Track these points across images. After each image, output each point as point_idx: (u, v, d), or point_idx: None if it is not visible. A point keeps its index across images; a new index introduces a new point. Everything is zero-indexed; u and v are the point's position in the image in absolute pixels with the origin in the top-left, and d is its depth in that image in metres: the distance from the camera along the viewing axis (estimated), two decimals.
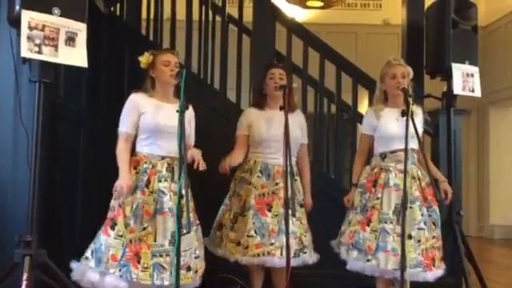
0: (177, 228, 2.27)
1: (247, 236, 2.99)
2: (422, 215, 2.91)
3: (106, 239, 2.52)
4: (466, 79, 3.48)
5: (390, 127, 2.99)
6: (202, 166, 2.64)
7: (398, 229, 2.82)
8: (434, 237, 2.93)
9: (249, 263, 3.03)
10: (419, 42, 3.86)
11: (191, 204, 2.62)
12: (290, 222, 2.84)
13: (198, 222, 2.74)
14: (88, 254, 2.53)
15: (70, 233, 3.45)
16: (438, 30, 3.58)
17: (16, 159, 2.77)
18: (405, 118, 2.77)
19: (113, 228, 2.53)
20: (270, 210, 3.01)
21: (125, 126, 2.71)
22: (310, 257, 3.09)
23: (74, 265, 2.52)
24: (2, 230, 2.74)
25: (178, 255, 2.26)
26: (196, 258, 2.66)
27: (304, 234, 3.08)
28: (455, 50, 3.48)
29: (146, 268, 2.49)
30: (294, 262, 2.91)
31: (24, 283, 2.25)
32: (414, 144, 2.89)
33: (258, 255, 2.97)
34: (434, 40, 3.65)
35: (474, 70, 3.52)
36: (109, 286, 2.46)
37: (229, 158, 3.04)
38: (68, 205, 3.45)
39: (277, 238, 2.97)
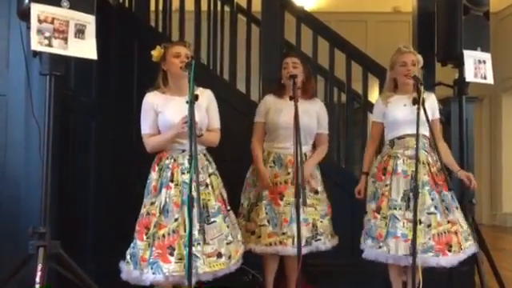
0: (188, 218, 2.28)
1: (260, 225, 3.03)
2: (433, 199, 2.89)
3: (140, 244, 2.61)
4: (477, 66, 3.43)
5: (397, 113, 2.99)
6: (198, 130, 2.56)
7: (407, 215, 2.82)
8: (448, 221, 2.89)
9: (262, 252, 3.06)
10: (430, 29, 3.80)
11: (217, 192, 2.73)
12: (301, 210, 2.85)
13: (228, 208, 2.80)
14: (128, 258, 2.65)
15: (83, 223, 3.49)
16: (450, 17, 3.53)
17: (28, 152, 2.79)
18: (413, 103, 2.75)
19: (147, 234, 2.62)
20: (282, 199, 3.04)
21: (146, 128, 2.76)
22: (324, 243, 3.09)
23: (121, 266, 2.66)
24: (16, 221, 2.77)
25: (190, 246, 2.29)
26: (228, 243, 2.69)
27: (319, 220, 3.09)
28: (467, 36, 3.43)
29: (181, 259, 2.54)
30: (305, 250, 2.93)
31: (38, 274, 2.28)
32: (424, 130, 2.87)
33: (271, 244, 2.99)
34: (446, 27, 3.60)
35: (486, 56, 3.48)
36: (148, 280, 2.57)
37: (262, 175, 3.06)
38: (80, 196, 3.49)
39: (288, 227, 2.98)
